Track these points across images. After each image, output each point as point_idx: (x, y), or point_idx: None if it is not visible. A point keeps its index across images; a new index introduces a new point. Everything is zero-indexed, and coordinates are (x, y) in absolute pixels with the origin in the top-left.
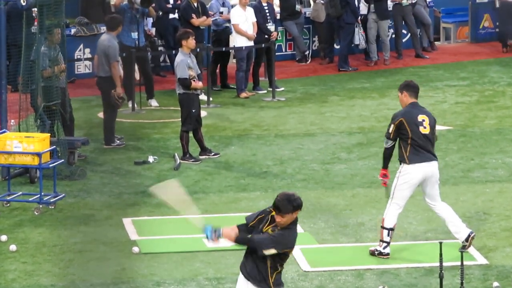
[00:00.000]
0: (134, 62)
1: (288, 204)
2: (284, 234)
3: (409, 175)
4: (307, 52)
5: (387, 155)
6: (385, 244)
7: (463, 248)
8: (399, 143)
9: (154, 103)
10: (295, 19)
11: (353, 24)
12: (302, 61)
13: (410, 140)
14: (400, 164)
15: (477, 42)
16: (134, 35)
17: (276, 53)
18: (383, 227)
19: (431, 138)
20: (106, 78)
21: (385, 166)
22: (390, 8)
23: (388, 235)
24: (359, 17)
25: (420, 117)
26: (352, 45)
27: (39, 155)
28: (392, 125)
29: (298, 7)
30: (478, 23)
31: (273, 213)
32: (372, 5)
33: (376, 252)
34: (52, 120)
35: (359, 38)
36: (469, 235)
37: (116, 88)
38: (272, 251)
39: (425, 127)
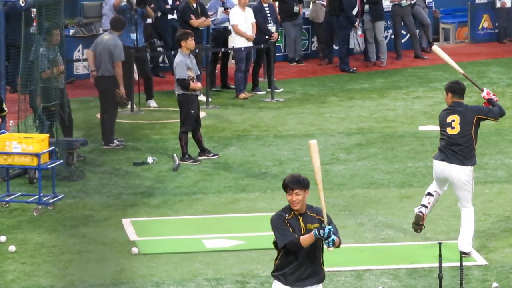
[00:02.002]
0: (133, 63)
1: (301, 179)
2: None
3: (434, 167)
4: (296, 59)
5: None
6: (420, 206)
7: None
8: None
9: (153, 103)
10: (293, 21)
11: (347, 29)
12: (300, 61)
13: (439, 139)
14: None
15: (476, 42)
16: (133, 35)
17: (276, 54)
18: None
19: (460, 139)
20: (108, 78)
21: None
22: (389, 9)
23: (425, 197)
24: (355, 23)
25: (450, 118)
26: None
27: (38, 155)
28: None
29: (296, 8)
30: (477, 24)
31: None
32: (366, 6)
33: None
34: (51, 121)
35: (353, 42)
36: (465, 252)
37: (120, 87)
38: None
39: (453, 128)
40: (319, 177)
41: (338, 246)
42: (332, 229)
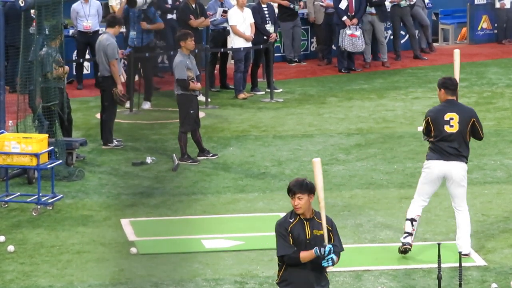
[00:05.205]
0: (132, 62)
1: (304, 183)
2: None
3: (427, 170)
4: (295, 59)
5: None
6: (405, 234)
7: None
8: None
9: (145, 105)
10: (292, 21)
11: (339, 25)
12: (301, 61)
13: (433, 138)
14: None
15: (475, 43)
16: (133, 34)
17: (275, 54)
18: (406, 219)
19: (458, 137)
20: (107, 78)
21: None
22: (388, 9)
23: (412, 225)
24: (343, 17)
25: (448, 116)
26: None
27: (37, 155)
28: (424, 122)
29: (297, 7)
30: (477, 25)
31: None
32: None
33: (400, 246)
34: (50, 120)
35: (341, 40)
36: (464, 253)
37: (117, 86)
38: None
39: (451, 126)
40: (321, 195)
41: (334, 264)
42: (332, 248)
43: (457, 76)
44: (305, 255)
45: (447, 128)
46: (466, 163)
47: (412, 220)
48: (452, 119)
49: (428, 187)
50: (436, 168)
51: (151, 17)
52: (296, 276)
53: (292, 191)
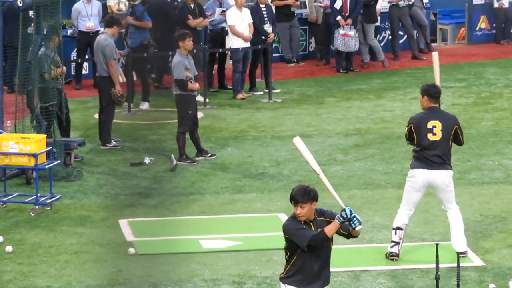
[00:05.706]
0: (130, 63)
1: (306, 192)
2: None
3: (412, 178)
4: (293, 59)
5: None
6: (392, 244)
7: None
8: None
9: (143, 106)
10: (289, 21)
11: (335, 25)
12: (299, 61)
13: (416, 147)
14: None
15: (473, 43)
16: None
17: (273, 54)
18: (392, 228)
19: (442, 145)
20: (105, 78)
21: None
22: (386, 10)
23: (395, 234)
24: (337, 17)
25: (431, 123)
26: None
27: (35, 156)
28: (406, 129)
29: (293, 8)
30: (475, 25)
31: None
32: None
33: (386, 253)
34: (48, 121)
35: (335, 39)
36: (461, 252)
37: (115, 86)
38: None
39: (434, 134)
40: (317, 169)
41: (361, 224)
42: (351, 209)
43: (437, 79)
44: (330, 228)
45: (430, 136)
46: (451, 169)
47: (398, 228)
48: (435, 127)
49: (413, 196)
50: (420, 177)
51: (138, 14)
52: (302, 271)
53: (294, 200)
